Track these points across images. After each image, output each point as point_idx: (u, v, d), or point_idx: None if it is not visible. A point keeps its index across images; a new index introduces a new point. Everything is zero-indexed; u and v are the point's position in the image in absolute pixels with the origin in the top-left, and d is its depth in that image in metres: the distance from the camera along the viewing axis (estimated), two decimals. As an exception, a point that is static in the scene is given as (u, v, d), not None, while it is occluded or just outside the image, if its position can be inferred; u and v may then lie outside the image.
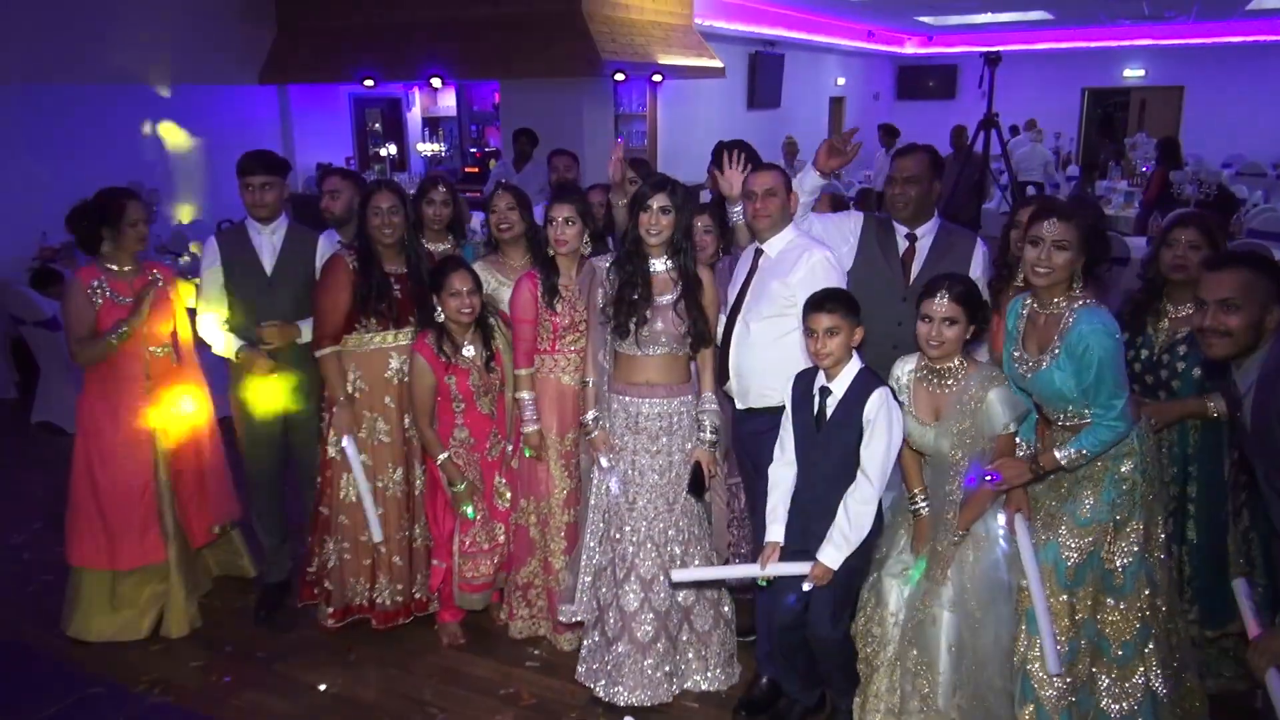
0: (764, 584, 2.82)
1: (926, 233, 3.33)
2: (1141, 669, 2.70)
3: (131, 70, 8.15)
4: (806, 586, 2.78)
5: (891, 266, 3.27)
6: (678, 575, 3.00)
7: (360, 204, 3.51)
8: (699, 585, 3.20)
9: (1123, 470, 2.69)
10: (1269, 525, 2.53)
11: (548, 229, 3.34)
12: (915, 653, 2.75)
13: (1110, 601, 2.70)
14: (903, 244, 3.33)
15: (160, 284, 3.60)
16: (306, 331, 3.62)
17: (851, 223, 3.40)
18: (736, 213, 3.43)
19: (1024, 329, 2.75)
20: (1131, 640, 2.69)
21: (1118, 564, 2.69)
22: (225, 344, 3.64)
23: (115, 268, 3.54)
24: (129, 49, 8.09)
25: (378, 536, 3.49)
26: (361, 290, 3.44)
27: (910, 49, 17.72)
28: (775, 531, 2.86)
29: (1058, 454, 2.63)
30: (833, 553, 2.73)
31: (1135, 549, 2.69)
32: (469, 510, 3.44)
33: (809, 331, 2.73)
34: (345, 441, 3.45)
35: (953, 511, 2.72)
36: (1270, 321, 2.35)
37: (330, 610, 3.64)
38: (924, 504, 2.80)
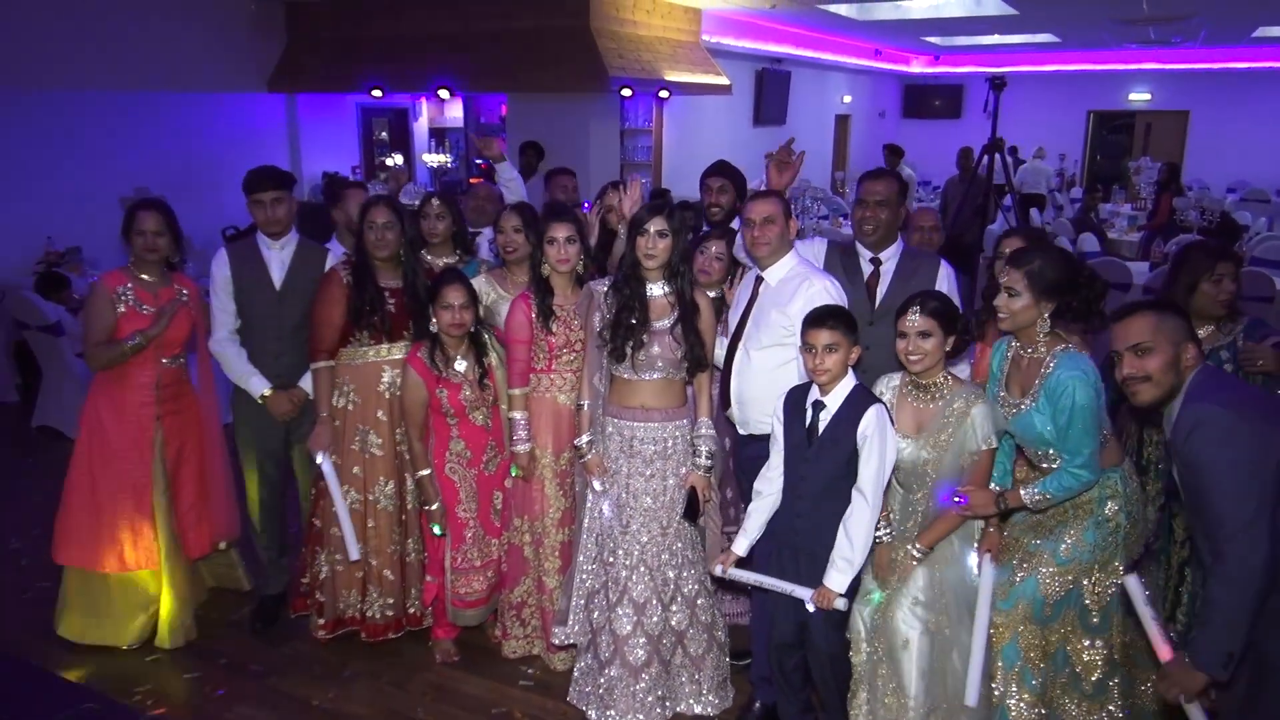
0: (811, 608, 2.80)
1: (890, 257, 3.38)
2: (1106, 703, 2.74)
3: (139, 77, 8.19)
4: (810, 608, 2.80)
5: (857, 291, 3.29)
6: (719, 571, 2.99)
7: (358, 219, 3.53)
8: (733, 585, 3.17)
9: (1107, 511, 2.71)
10: None
11: (547, 249, 3.35)
12: (885, 675, 2.78)
13: (1086, 641, 2.73)
14: (867, 269, 3.38)
15: (185, 301, 3.61)
16: (309, 386, 3.64)
17: (816, 249, 3.45)
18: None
19: (1008, 370, 2.79)
20: (1101, 678, 2.72)
21: (1095, 603, 2.71)
22: (243, 378, 3.64)
23: (142, 276, 3.56)
24: (137, 56, 8.13)
25: (354, 555, 3.51)
26: (355, 304, 3.46)
27: (917, 68, 17.74)
28: (740, 544, 2.94)
29: (1023, 493, 2.67)
30: (837, 577, 2.75)
31: (1114, 590, 2.72)
32: (436, 528, 3.46)
33: (807, 347, 2.76)
34: (321, 458, 3.47)
35: (914, 520, 2.77)
36: (1187, 359, 2.38)
37: (321, 621, 3.66)
38: (885, 532, 2.82)
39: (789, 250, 3.19)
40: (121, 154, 8.04)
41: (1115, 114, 17.76)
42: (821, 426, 2.78)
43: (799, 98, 14.37)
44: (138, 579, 3.66)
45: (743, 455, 3.29)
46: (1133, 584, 2.49)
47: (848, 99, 16.86)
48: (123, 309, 3.49)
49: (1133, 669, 2.82)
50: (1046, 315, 2.64)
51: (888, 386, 2.86)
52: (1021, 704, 2.69)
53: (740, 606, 3.65)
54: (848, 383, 2.79)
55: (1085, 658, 2.73)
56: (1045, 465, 2.72)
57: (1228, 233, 8.95)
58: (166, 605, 3.69)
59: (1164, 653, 2.42)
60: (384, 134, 11.50)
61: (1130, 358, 2.42)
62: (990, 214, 8.72)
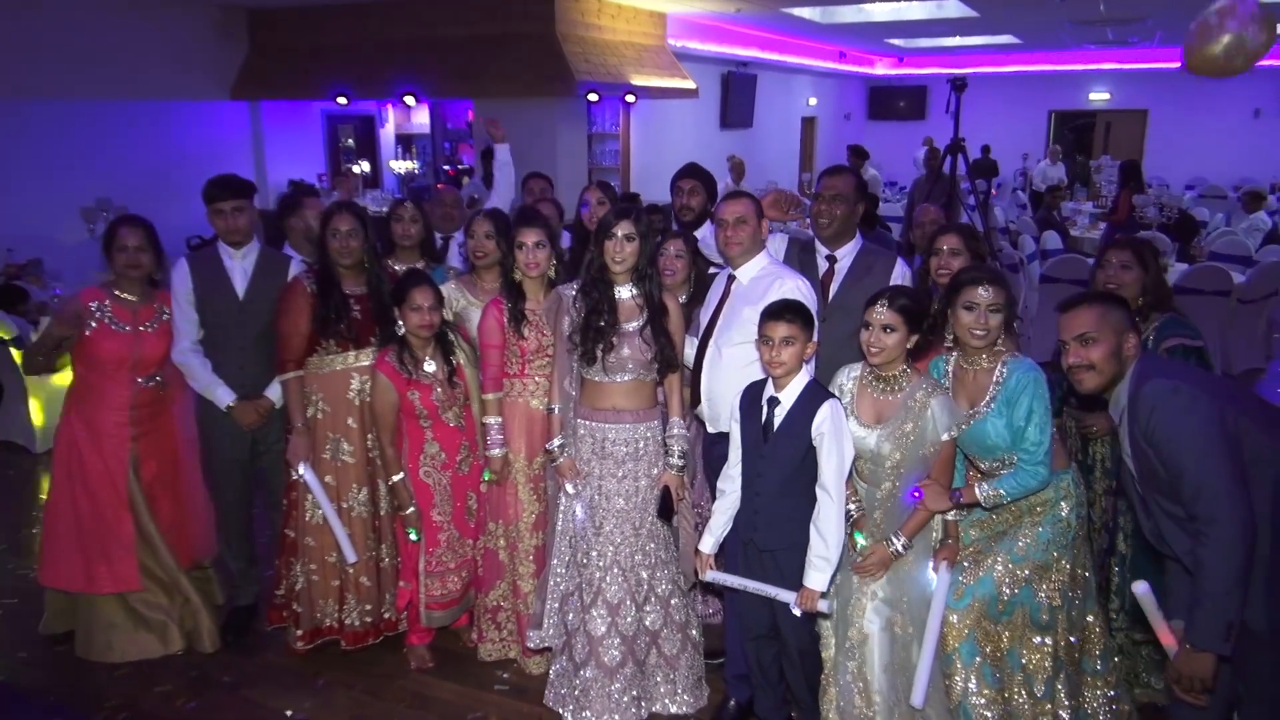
0: (798, 613, 2.82)
1: (846, 254, 3.43)
2: (1052, 705, 2.79)
3: (99, 85, 8.10)
4: (797, 612, 2.81)
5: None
6: (711, 575, 3.00)
7: (320, 226, 3.51)
8: (709, 586, 3.22)
9: (1061, 512, 2.78)
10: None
11: (517, 253, 3.35)
12: (852, 670, 2.81)
13: (1035, 638, 2.78)
14: (823, 265, 3.43)
15: (166, 318, 3.59)
16: (275, 396, 3.62)
17: (776, 244, 3.49)
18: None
19: (951, 386, 2.85)
20: (1048, 678, 2.77)
21: (1045, 601, 2.77)
22: (208, 388, 3.59)
23: (121, 294, 3.52)
24: (97, 63, 8.04)
25: (351, 558, 3.49)
26: (320, 312, 3.44)
27: (881, 70, 17.93)
28: (706, 542, 2.99)
29: (978, 491, 2.73)
30: (816, 576, 2.77)
31: (1061, 589, 2.78)
32: (411, 533, 3.45)
33: (764, 339, 2.79)
34: (303, 469, 3.44)
35: (881, 511, 2.81)
36: (1128, 349, 2.47)
37: (299, 633, 3.62)
38: (855, 503, 2.85)
39: (761, 250, 3.23)
40: (82, 164, 7.94)
41: (1076, 113, 18.05)
42: (777, 422, 2.82)
43: (765, 100, 14.48)
44: (154, 593, 3.65)
45: (712, 454, 3.30)
46: (1142, 590, 2.54)
47: (813, 101, 17.00)
48: (94, 325, 3.45)
49: (1077, 671, 2.87)
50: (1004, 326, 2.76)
51: (848, 377, 2.90)
52: (982, 700, 2.73)
53: (713, 606, 3.67)
54: (802, 378, 2.82)
55: (1035, 657, 2.77)
56: (990, 470, 2.79)
57: (1186, 228, 9.11)
58: (196, 612, 3.70)
59: (1166, 637, 2.49)
60: (350, 141, 11.44)
61: (1076, 347, 2.52)
62: (955, 213, 8.82)
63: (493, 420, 3.39)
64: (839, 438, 2.73)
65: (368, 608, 3.62)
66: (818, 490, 2.77)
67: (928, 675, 2.68)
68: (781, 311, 2.77)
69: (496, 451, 3.39)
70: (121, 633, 3.64)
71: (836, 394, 2.87)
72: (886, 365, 2.77)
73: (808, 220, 3.82)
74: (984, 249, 3.44)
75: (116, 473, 3.55)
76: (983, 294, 2.70)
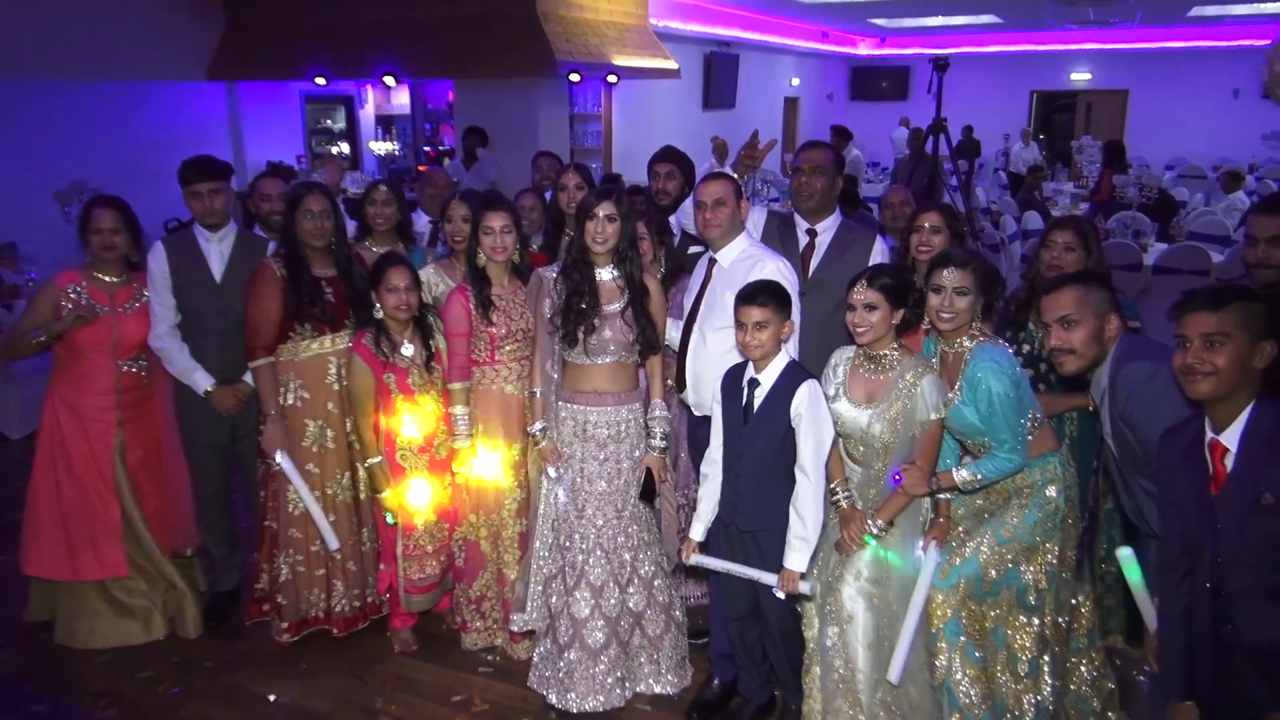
0: (782, 595, 2.83)
1: (827, 229, 3.43)
2: (1039, 682, 2.80)
3: (75, 66, 7.96)
4: (780, 594, 2.82)
5: (791, 262, 3.30)
6: (694, 559, 2.99)
7: (289, 207, 3.45)
8: (697, 571, 3.23)
9: (1049, 494, 2.78)
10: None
11: (483, 239, 3.31)
12: (835, 648, 2.82)
13: (1022, 619, 2.78)
14: (803, 239, 3.43)
15: (144, 299, 3.54)
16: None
17: (755, 218, 3.48)
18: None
19: (937, 368, 2.84)
20: (1034, 658, 2.78)
21: (1032, 582, 2.77)
22: (186, 373, 3.55)
23: (100, 275, 3.48)
24: (73, 44, 7.90)
25: (334, 545, 3.47)
26: (292, 296, 3.40)
27: (864, 50, 17.90)
28: (696, 529, 2.98)
29: (956, 474, 2.73)
30: (796, 557, 2.78)
31: (1048, 570, 2.78)
32: (389, 517, 3.44)
33: (739, 324, 2.78)
34: (280, 458, 3.40)
35: (876, 489, 2.81)
36: (1110, 330, 2.48)
37: (284, 625, 3.59)
38: (845, 495, 2.84)
39: (741, 232, 3.21)
40: (56, 146, 7.82)
41: (1057, 94, 18.09)
42: (756, 404, 2.81)
43: (748, 81, 14.41)
44: (136, 579, 3.63)
45: (697, 437, 3.31)
46: (1126, 554, 2.54)
47: (796, 82, 16.94)
48: (70, 306, 3.40)
49: (1063, 649, 2.89)
50: (979, 309, 2.74)
51: (842, 357, 2.90)
52: (966, 679, 2.74)
53: (701, 589, 3.68)
54: (781, 359, 2.82)
55: (1020, 638, 2.78)
56: (984, 453, 2.79)
57: (1165, 208, 9.15)
58: (179, 599, 3.70)
59: (1153, 621, 2.49)
60: (329, 122, 11.33)
61: (1057, 330, 2.54)
62: (938, 193, 8.84)
63: (460, 410, 3.36)
64: (817, 419, 2.73)
65: (355, 592, 3.61)
66: (796, 471, 2.77)
67: (905, 653, 2.69)
68: (754, 295, 2.76)
69: (464, 443, 3.37)
70: (104, 620, 3.62)
71: (830, 374, 2.87)
72: (876, 344, 2.77)
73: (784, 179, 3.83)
74: (963, 228, 3.45)
75: (102, 458, 3.52)
76: (948, 276, 2.69)
